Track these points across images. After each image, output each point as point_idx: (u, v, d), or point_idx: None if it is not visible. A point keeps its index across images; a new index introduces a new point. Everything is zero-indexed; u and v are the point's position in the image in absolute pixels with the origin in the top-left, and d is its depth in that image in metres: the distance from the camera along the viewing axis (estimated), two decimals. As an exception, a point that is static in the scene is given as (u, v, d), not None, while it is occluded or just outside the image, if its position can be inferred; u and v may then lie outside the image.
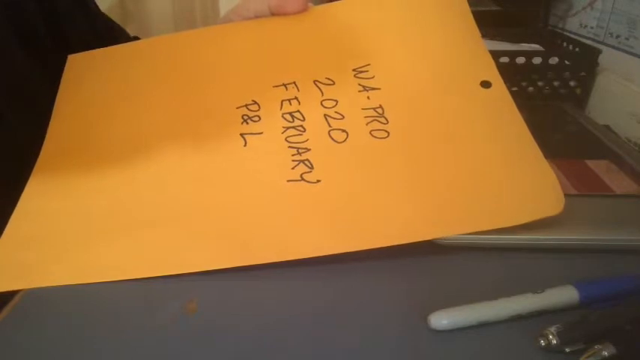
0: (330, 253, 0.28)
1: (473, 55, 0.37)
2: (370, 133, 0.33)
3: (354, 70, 0.37)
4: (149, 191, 0.32)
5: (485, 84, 0.35)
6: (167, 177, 0.33)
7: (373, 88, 0.36)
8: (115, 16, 0.61)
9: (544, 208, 0.29)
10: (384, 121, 0.34)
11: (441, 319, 0.24)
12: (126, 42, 0.55)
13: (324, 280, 0.28)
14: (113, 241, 0.30)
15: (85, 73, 0.41)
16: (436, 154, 0.32)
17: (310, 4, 0.41)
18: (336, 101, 0.35)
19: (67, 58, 0.42)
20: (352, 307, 0.26)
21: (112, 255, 0.29)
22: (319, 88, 0.36)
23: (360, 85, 0.36)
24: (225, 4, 1.17)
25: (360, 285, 0.28)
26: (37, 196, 0.33)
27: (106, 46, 0.47)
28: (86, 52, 0.42)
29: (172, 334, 0.25)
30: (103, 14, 0.55)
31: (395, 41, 0.38)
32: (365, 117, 0.34)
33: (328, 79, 0.37)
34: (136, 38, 0.59)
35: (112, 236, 0.30)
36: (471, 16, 0.38)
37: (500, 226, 0.28)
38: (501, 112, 0.34)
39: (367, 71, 0.37)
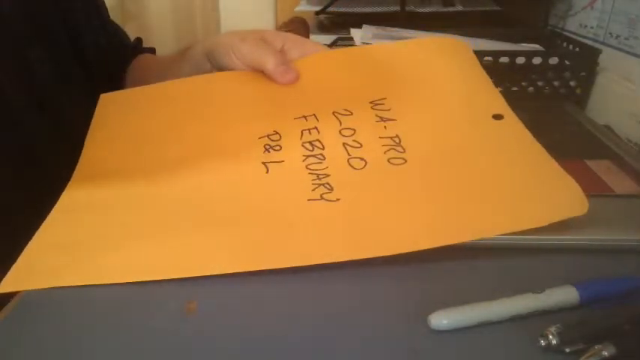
0: (345, 259, 0.28)
1: (483, 92, 0.38)
2: (388, 160, 0.34)
3: (371, 102, 0.38)
4: (172, 207, 0.33)
5: (498, 117, 0.36)
6: (191, 197, 0.34)
7: (390, 119, 0.37)
8: (115, 16, 0.62)
9: (568, 209, 0.29)
10: (400, 149, 0.35)
11: (441, 319, 0.24)
12: (127, 44, 0.57)
13: (323, 281, 0.28)
14: (128, 246, 0.30)
15: (116, 111, 0.42)
16: (452, 173, 0.33)
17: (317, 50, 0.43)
18: (354, 130, 0.37)
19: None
20: (352, 308, 0.26)
21: (126, 258, 0.29)
22: (338, 119, 0.38)
23: (377, 115, 0.37)
24: (226, 4, 1.17)
25: (360, 285, 0.28)
26: (68, 207, 0.34)
27: (115, 48, 0.53)
28: (117, 91, 0.44)
29: (172, 334, 0.25)
30: (110, 19, 0.57)
31: (408, 81, 0.40)
32: (382, 145, 0.35)
33: (346, 110, 0.38)
34: (138, 39, 0.60)
35: (128, 243, 0.31)
36: (477, 62, 0.40)
37: (522, 229, 0.28)
38: (515, 139, 0.34)
39: (383, 104, 0.38)
